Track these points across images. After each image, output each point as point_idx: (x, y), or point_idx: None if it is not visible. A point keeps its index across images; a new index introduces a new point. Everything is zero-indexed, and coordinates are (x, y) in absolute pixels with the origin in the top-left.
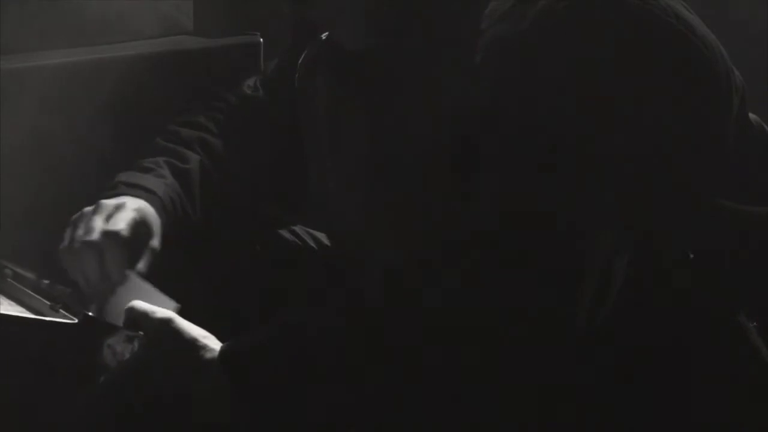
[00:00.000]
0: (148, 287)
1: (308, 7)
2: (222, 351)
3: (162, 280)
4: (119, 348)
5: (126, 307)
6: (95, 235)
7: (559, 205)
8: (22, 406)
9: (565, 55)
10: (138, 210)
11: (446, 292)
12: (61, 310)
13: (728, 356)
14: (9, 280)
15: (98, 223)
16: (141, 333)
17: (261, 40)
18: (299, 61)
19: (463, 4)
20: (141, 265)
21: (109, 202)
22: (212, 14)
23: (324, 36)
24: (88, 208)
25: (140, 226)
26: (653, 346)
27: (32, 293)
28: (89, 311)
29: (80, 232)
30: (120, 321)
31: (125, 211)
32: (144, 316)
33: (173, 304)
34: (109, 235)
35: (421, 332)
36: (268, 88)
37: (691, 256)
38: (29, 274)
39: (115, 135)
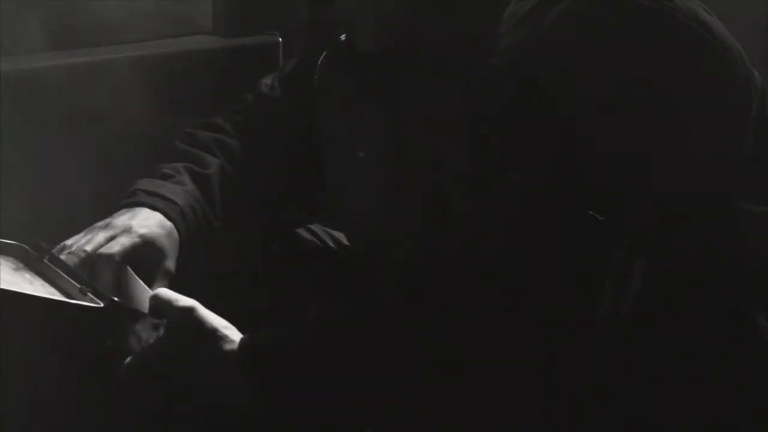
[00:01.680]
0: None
1: (327, 9)
2: (242, 342)
3: (179, 280)
4: (144, 334)
5: (150, 294)
6: (89, 248)
7: (580, 204)
8: (43, 387)
9: (584, 58)
10: (143, 236)
11: (466, 290)
12: (89, 294)
13: (747, 358)
14: (45, 261)
15: (98, 239)
16: (165, 320)
17: (280, 39)
18: (318, 63)
19: (481, 8)
20: (157, 287)
21: (119, 223)
22: (231, 14)
23: (342, 38)
24: (100, 223)
25: (148, 248)
26: (672, 347)
27: (65, 275)
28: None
29: (82, 242)
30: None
31: (129, 235)
32: (167, 303)
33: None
34: (101, 257)
35: (441, 330)
36: (286, 87)
37: (707, 256)
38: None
39: (133, 135)
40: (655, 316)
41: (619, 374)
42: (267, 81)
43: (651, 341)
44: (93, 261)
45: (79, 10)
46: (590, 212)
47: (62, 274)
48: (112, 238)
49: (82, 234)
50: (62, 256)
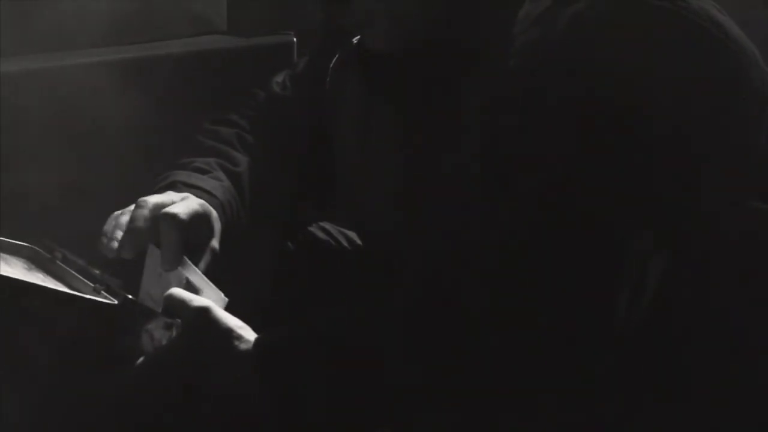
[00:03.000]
0: (201, 277)
1: (341, 10)
2: (257, 341)
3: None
4: (157, 334)
5: (165, 294)
6: (150, 202)
7: (597, 205)
8: (55, 384)
9: (598, 59)
10: (203, 205)
11: (480, 291)
12: (103, 292)
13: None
14: (58, 262)
15: (155, 199)
16: (179, 320)
17: (294, 39)
18: (331, 64)
19: (496, 9)
20: (201, 265)
21: (176, 195)
22: (245, 13)
23: (355, 39)
24: (142, 199)
25: (203, 221)
26: (688, 348)
27: (78, 276)
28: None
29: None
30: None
31: (190, 201)
32: (181, 303)
33: (223, 298)
34: (166, 216)
35: (456, 329)
36: (297, 87)
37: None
38: (80, 260)
39: (148, 134)
40: (672, 317)
41: (635, 375)
42: (278, 79)
43: (667, 342)
44: (157, 218)
45: (94, 10)
46: (610, 211)
47: (75, 274)
48: (173, 203)
49: (131, 207)
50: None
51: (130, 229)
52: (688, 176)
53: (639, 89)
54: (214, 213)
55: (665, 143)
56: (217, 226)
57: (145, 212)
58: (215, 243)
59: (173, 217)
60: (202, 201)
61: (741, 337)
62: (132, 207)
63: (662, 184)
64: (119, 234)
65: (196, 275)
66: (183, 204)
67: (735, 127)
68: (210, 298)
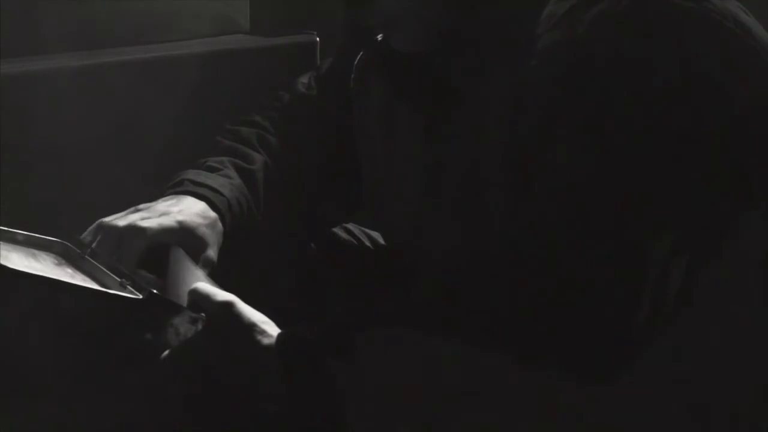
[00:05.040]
0: (200, 274)
1: (364, 10)
2: (280, 336)
3: (217, 278)
4: (182, 328)
5: (189, 288)
6: (121, 223)
7: (621, 207)
8: (79, 379)
9: (622, 59)
10: (181, 223)
11: (505, 290)
12: (129, 287)
13: None
14: (87, 258)
15: (135, 217)
16: (203, 315)
17: (317, 38)
18: (355, 63)
19: (519, 9)
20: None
21: (160, 207)
22: (268, 13)
23: (379, 38)
24: (142, 205)
25: (184, 235)
26: (711, 345)
27: (107, 271)
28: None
29: (116, 218)
30: (182, 301)
31: (166, 218)
32: (206, 298)
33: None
34: (131, 228)
35: (478, 330)
36: (323, 87)
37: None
38: (108, 256)
39: (172, 133)
40: (695, 314)
41: (658, 373)
42: (304, 80)
43: (690, 339)
44: (121, 234)
45: (119, 9)
46: (631, 212)
47: (103, 268)
48: (145, 219)
49: (122, 213)
50: (94, 230)
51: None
52: (712, 173)
53: (663, 89)
54: (209, 219)
55: (690, 142)
56: (214, 233)
57: (112, 237)
58: (210, 254)
59: (138, 231)
60: (190, 213)
61: (764, 339)
62: (142, 205)
63: (689, 186)
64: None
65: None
66: (157, 221)
67: (760, 124)
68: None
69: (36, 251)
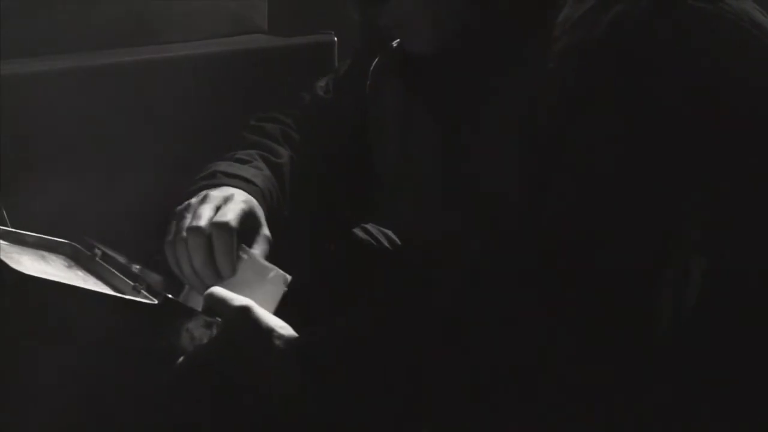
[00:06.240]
0: (263, 263)
1: (378, 12)
2: (296, 341)
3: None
4: (197, 333)
5: (205, 293)
6: (203, 223)
7: (640, 207)
8: (94, 384)
9: (640, 61)
10: (246, 202)
11: (524, 289)
12: (143, 291)
13: None
14: (98, 260)
15: (207, 213)
16: (219, 319)
17: (335, 38)
18: (370, 68)
19: (537, 11)
20: (258, 251)
21: (217, 194)
22: (286, 13)
23: (394, 43)
24: (195, 199)
25: (249, 218)
26: (731, 349)
27: (118, 273)
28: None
29: (187, 221)
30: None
31: (234, 203)
32: (222, 302)
33: (286, 276)
34: (219, 226)
35: (497, 329)
36: (339, 90)
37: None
38: (120, 257)
39: (190, 133)
40: (715, 317)
41: (678, 376)
42: (322, 83)
43: (710, 343)
44: (209, 233)
45: (135, 10)
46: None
47: (115, 272)
48: (217, 209)
49: (176, 218)
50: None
51: (197, 268)
52: (732, 175)
53: (683, 89)
54: (256, 202)
55: (707, 143)
56: (262, 214)
57: (202, 239)
58: (266, 231)
59: (223, 226)
60: (244, 194)
61: None
62: (194, 201)
63: (710, 183)
64: (184, 261)
65: (258, 261)
66: (229, 208)
67: None
68: (277, 279)
69: (45, 253)
